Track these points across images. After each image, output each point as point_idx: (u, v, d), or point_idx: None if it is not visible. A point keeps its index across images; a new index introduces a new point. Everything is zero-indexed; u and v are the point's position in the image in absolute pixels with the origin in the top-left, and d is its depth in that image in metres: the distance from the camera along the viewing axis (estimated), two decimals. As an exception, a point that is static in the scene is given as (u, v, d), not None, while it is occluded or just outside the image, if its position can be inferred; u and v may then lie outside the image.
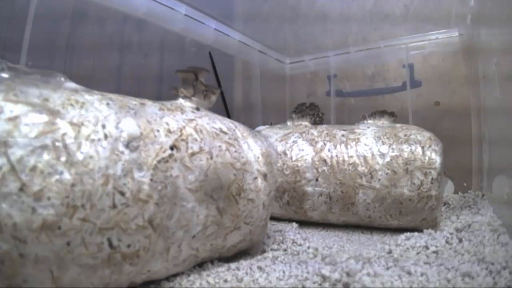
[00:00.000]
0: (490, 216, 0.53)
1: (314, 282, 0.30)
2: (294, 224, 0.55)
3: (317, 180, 0.57)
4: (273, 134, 0.66)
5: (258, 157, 0.39)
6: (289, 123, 0.72)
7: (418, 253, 0.41)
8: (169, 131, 0.31)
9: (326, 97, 1.00)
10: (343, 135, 0.59)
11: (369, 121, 0.64)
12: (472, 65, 0.81)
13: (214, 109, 0.41)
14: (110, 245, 0.25)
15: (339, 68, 1.01)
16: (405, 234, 0.47)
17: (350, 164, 0.55)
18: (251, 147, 0.39)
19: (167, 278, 0.32)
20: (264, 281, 0.31)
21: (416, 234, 0.46)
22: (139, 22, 0.77)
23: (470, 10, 0.74)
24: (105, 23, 0.78)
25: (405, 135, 0.55)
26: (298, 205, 0.59)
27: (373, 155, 0.55)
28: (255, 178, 0.38)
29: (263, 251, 0.43)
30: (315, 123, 0.72)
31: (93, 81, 0.32)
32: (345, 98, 1.03)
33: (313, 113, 0.72)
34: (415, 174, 0.52)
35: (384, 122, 0.63)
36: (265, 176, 0.39)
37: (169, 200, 0.29)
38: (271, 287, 0.30)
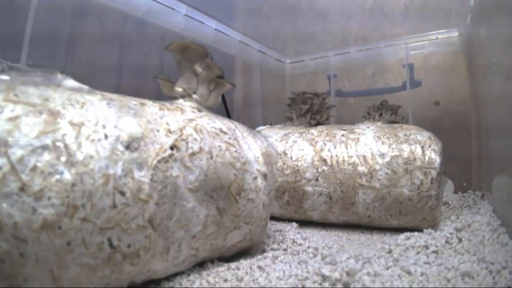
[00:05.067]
0: (490, 216, 0.53)
1: (314, 282, 0.30)
2: (294, 224, 0.55)
3: (317, 180, 0.57)
4: (273, 134, 0.66)
5: (258, 157, 0.39)
6: (288, 123, 0.71)
7: (418, 253, 0.41)
8: (169, 131, 0.31)
9: (326, 97, 1.00)
10: (343, 135, 0.59)
11: (367, 121, 0.64)
12: (472, 65, 0.81)
13: (214, 109, 0.41)
14: (111, 245, 0.25)
15: (339, 68, 1.00)
16: (405, 233, 0.47)
17: (350, 164, 0.56)
18: (251, 147, 0.39)
19: (167, 278, 0.32)
20: (264, 281, 0.31)
21: (416, 233, 0.46)
22: (139, 22, 0.77)
23: (470, 10, 0.74)
24: (105, 23, 0.78)
25: (404, 135, 0.55)
26: (298, 204, 0.59)
27: (373, 155, 0.55)
28: (255, 178, 0.38)
29: (263, 251, 0.43)
30: (317, 123, 0.70)
31: (93, 80, 0.32)
32: (345, 98, 1.03)
33: (317, 110, 0.70)
34: (415, 174, 0.52)
35: (383, 122, 0.63)
36: (265, 176, 0.39)
37: (169, 200, 0.29)
38: (271, 286, 0.30)
